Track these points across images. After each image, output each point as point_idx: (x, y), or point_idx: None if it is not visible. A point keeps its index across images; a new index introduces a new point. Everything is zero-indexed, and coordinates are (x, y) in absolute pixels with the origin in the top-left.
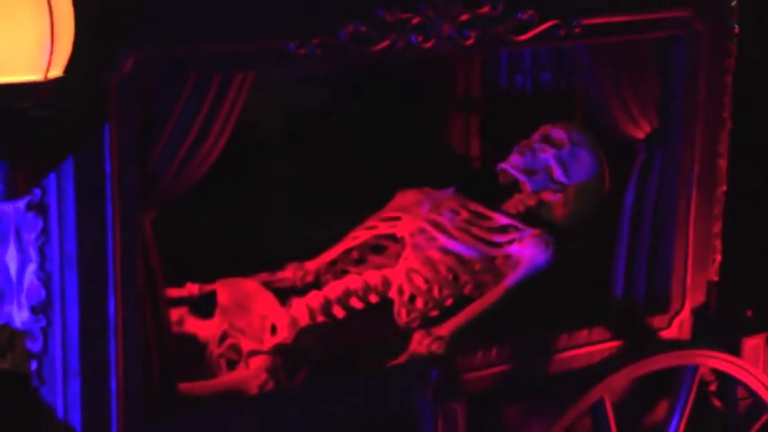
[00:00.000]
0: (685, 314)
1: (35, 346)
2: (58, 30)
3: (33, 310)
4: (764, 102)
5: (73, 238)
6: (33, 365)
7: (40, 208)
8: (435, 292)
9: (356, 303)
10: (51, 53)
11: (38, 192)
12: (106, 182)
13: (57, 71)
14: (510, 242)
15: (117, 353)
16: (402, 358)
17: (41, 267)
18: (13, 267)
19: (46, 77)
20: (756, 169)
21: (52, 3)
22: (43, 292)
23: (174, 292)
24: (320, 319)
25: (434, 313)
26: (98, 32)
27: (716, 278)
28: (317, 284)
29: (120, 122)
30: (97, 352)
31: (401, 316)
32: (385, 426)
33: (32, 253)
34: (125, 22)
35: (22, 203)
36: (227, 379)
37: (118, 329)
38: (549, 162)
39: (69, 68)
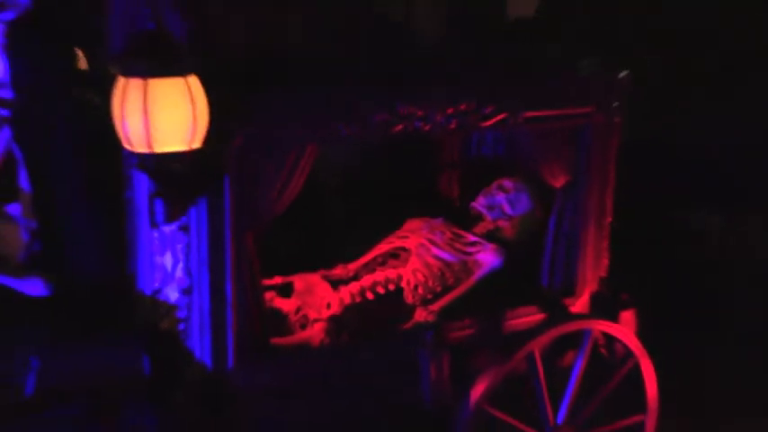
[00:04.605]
0: (586, 297)
1: (182, 314)
2: (198, 115)
3: (183, 291)
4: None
5: (206, 248)
6: (182, 327)
7: (185, 228)
8: (430, 283)
9: (380, 290)
10: (194, 131)
11: (184, 218)
12: (226, 213)
13: (197, 144)
14: (477, 252)
15: (232, 320)
16: (409, 326)
17: (186, 266)
18: (168, 266)
19: (190, 148)
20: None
21: (194, 97)
22: (187, 281)
23: (267, 282)
24: (358, 300)
25: (429, 296)
26: (221, 116)
27: (605, 274)
28: (356, 278)
29: (233, 176)
30: (220, 319)
31: (409, 299)
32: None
33: (180, 257)
34: (237, 110)
35: (175, 226)
36: (300, 336)
37: (233, 305)
38: (502, 202)
39: (205, 141)
